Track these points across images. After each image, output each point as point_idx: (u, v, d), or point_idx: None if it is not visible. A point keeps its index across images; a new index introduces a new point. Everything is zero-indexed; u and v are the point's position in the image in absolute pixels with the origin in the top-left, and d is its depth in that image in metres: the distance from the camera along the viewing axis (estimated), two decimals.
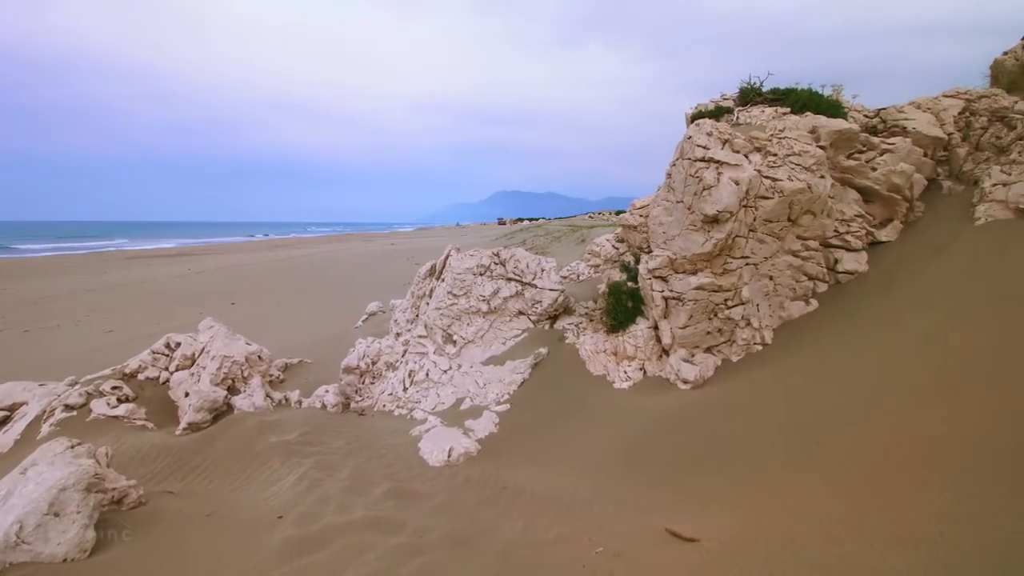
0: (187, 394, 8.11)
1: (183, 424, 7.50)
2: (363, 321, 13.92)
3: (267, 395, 8.31)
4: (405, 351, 9.00)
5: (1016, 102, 7.87)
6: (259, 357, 9.09)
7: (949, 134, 8.06)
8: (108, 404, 7.65)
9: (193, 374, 8.48)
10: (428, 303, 9.51)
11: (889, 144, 7.74)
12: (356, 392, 8.61)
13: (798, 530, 3.35)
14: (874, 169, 7.54)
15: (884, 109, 8.58)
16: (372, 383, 8.76)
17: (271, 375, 9.39)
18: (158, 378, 8.64)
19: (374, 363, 8.94)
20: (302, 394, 8.56)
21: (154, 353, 8.91)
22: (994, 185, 6.73)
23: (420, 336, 8.91)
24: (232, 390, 8.36)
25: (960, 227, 6.75)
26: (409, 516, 4.65)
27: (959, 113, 8.20)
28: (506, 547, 4.12)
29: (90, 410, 7.54)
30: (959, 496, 3.02)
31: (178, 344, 9.06)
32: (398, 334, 9.84)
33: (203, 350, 8.85)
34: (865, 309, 6.35)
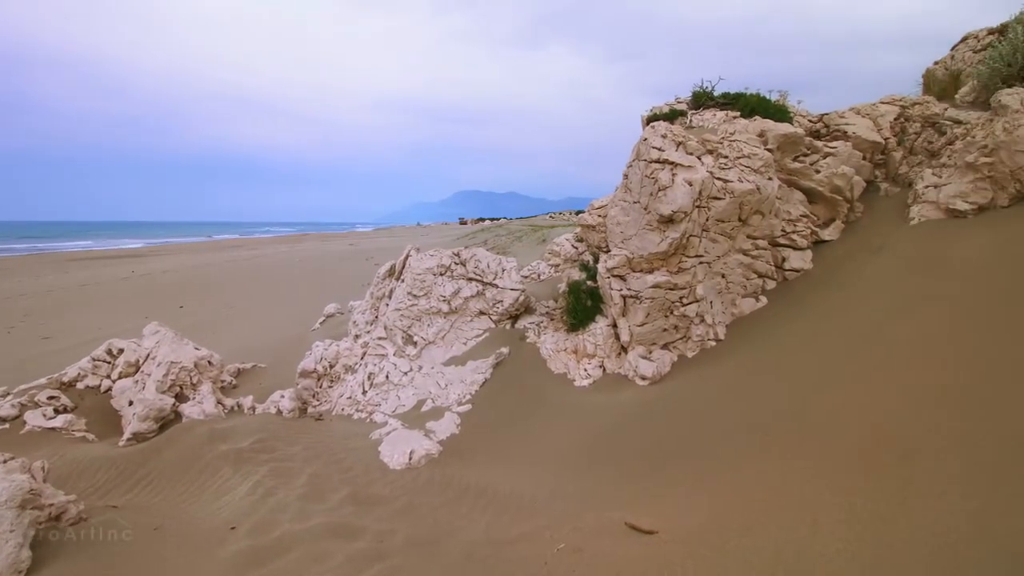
0: (131, 403, 7.72)
1: (127, 434, 7.13)
2: (320, 323, 13.60)
3: (218, 402, 8.00)
4: (364, 353, 8.84)
5: (946, 109, 8.40)
6: (209, 362, 8.74)
7: (886, 139, 8.53)
8: (44, 415, 7.20)
9: (137, 382, 8.08)
10: (388, 304, 9.38)
11: (831, 148, 8.13)
12: (313, 396, 8.40)
13: (753, 518, 3.48)
14: (818, 171, 7.91)
15: (827, 114, 9.01)
16: (330, 387, 8.57)
17: (223, 381, 9.05)
18: (99, 387, 8.18)
19: (332, 366, 8.74)
20: (256, 400, 8.29)
21: (95, 360, 8.44)
22: (926, 187, 7.17)
23: (380, 338, 8.78)
24: (180, 397, 8.01)
25: (896, 226, 7.16)
26: (369, 521, 4.58)
27: (895, 119, 8.69)
28: (469, 548, 4.11)
29: (24, 422, 7.08)
30: (903, 479, 3.20)
31: (121, 350, 8.61)
32: (357, 336, 9.66)
33: (148, 356, 8.44)
34: (811, 305, 6.65)
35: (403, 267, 9.51)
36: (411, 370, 8.11)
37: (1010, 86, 7.37)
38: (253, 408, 8.14)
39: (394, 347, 8.56)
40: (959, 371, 4.00)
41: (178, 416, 7.66)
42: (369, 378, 8.19)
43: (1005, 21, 8.85)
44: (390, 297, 9.48)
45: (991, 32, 9.37)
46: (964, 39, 10.03)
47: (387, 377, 8.05)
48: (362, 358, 8.80)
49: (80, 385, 8.09)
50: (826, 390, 4.70)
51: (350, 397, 8.09)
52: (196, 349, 8.78)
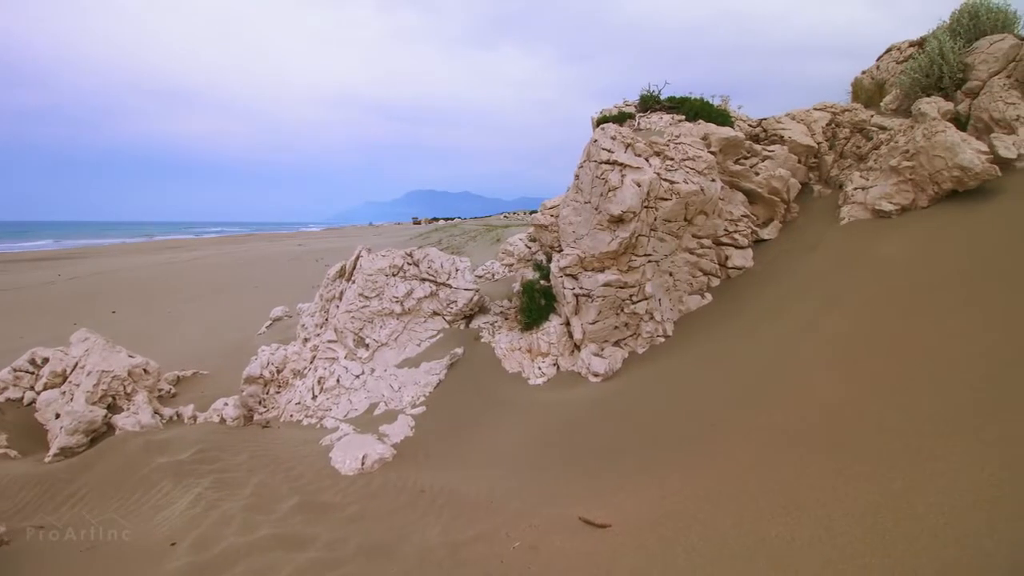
0: (58, 415, 7.21)
1: (54, 449, 6.66)
2: (267, 327, 13.13)
3: (155, 412, 7.59)
4: (314, 357, 8.59)
5: (872, 116, 8.96)
6: (145, 371, 8.28)
7: (819, 143, 9.02)
8: None
9: (65, 393, 7.56)
10: (338, 306, 9.15)
11: (769, 151, 8.53)
12: (260, 403, 8.10)
13: (700, 507, 3.60)
14: (757, 174, 8.28)
15: (765, 119, 9.44)
16: (278, 392, 8.29)
17: (160, 390, 8.59)
18: (22, 399, 7.61)
19: (279, 371, 8.45)
20: (197, 409, 7.92)
21: (16, 371, 7.83)
22: (855, 189, 7.63)
23: (330, 341, 8.56)
24: (113, 408, 7.55)
25: (828, 226, 7.59)
26: (320, 529, 4.45)
27: (826, 124, 9.20)
28: (423, 551, 4.06)
29: None
30: (838, 463, 3.40)
31: (46, 360, 8.03)
32: (306, 339, 9.38)
33: (77, 365, 7.91)
34: (753, 301, 6.96)
35: (354, 268, 9.30)
36: (363, 373, 7.94)
37: (928, 95, 7.94)
38: (194, 417, 7.77)
39: (345, 350, 8.36)
40: (886, 360, 4.28)
41: (111, 428, 7.22)
42: (319, 382, 7.97)
43: (924, 35, 9.52)
44: (340, 299, 9.25)
45: (912, 45, 10.06)
46: (888, 51, 10.74)
47: (338, 381, 7.86)
48: (311, 362, 8.55)
49: (0, 398, 7.49)
50: (767, 382, 4.93)
51: (299, 403, 7.84)
52: (130, 357, 8.29)
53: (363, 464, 5.81)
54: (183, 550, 4.08)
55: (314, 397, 7.81)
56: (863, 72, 11.03)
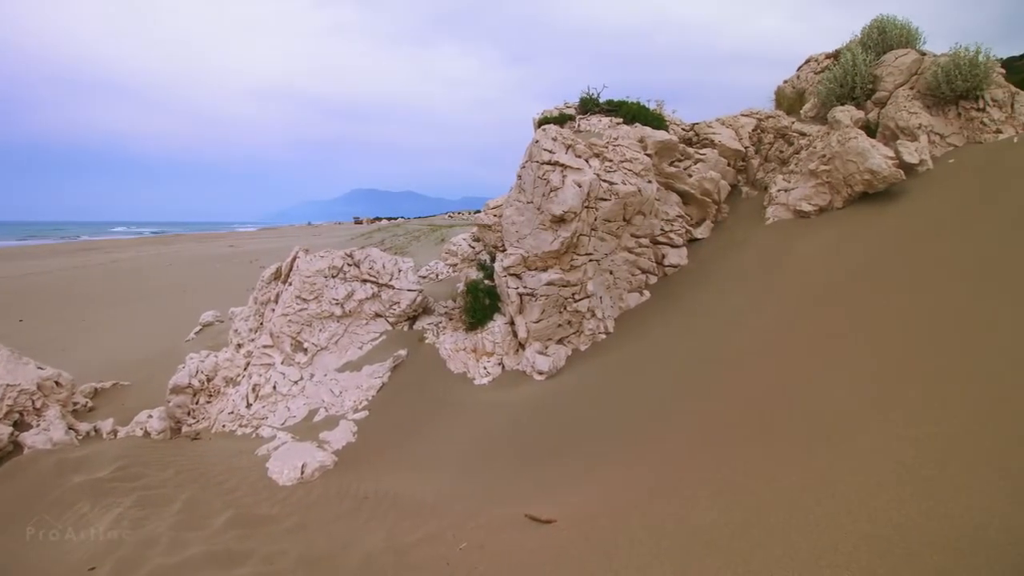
0: None
1: None
2: (196, 333, 12.41)
3: (70, 427, 7.01)
4: (248, 363, 8.21)
5: (793, 122, 9.56)
6: (57, 383, 7.63)
7: (746, 147, 9.53)
8: None
9: None
10: (274, 309, 8.78)
11: (701, 154, 8.93)
12: (188, 414, 7.64)
13: (641, 498, 3.72)
14: (690, 175, 8.64)
15: (697, 124, 9.87)
16: (208, 402, 7.85)
17: (75, 404, 7.94)
18: None
19: (210, 379, 8.01)
20: (118, 423, 7.38)
21: None
22: (778, 191, 8.11)
23: (265, 346, 8.19)
24: (20, 425, 6.90)
25: (755, 226, 8.03)
26: (256, 544, 4.26)
27: (752, 130, 9.73)
28: (367, 558, 3.98)
29: None
30: (766, 450, 3.60)
31: None
32: (239, 345, 8.94)
33: None
34: (688, 297, 7.26)
35: (291, 269, 8.95)
36: (302, 379, 7.66)
37: (842, 104, 8.57)
38: (114, 432, 7.24)
39: (282, 355, 8.03)
40: (806, 350, 4.59)
41: (18, 447, 6.60)
42: (254, 390, 7.61)
43: (839, 48, 10.25)
44: (276, 302, 8.89)
45: (828, 57, 10.81)
46: (807, 61, 11.49)
47: (275, 387, 7.54)
48: (245, 369, 8.16)
49: None
50: (702, 374, 5.16)
51: (232, 412, 7.47)
52: (40, 368, 7.61)
53: (302, 473, 5.61)
54: (103, 575, 3.80)
55: (248, 405, 7.46)
56: (785, 81, 11.76)
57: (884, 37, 9.00)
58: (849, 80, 8.68)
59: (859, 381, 3.83)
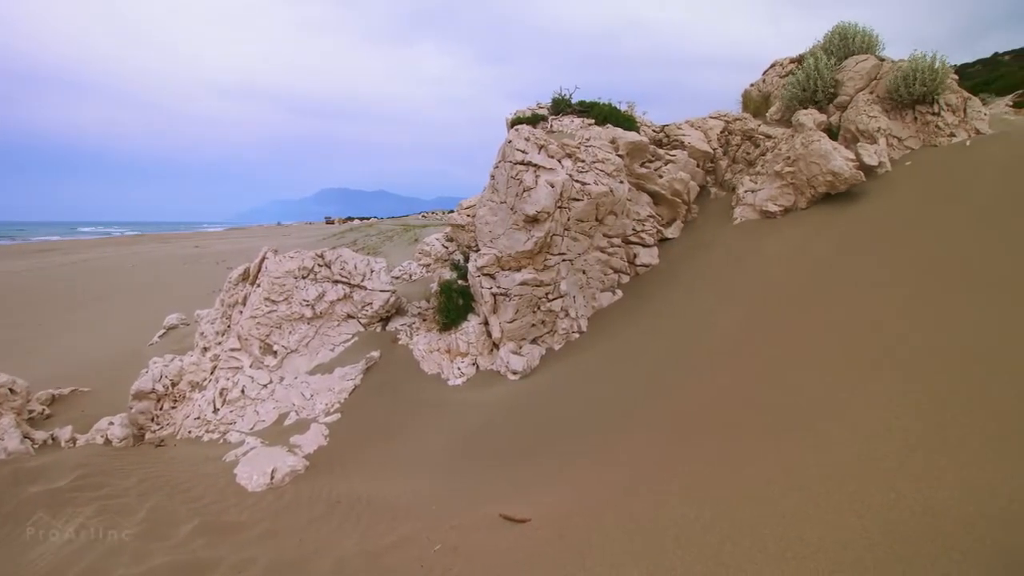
0: None
1: None
2: (160, 336, 12.03)
3: (25, 436, 6.71)
4: (215, 367, 7.99)
5: (759, 125, 9.79)
6: (11, 390, 7.29)
7: (714, 149, 9.72)
8: None
9: None
10: (242, 311, 8.57)
11: (671, 156, 9.07)
12: (152, 420, 7.40)
13: (614, 495, 3.76)
14: (661, 176, 8.77)
15: (667, 125, 10.02)
16: (173, 408, 7.62)
17: (31, 411, 7.61)
18: None
19: (175, 384, 7.77)
20: (77, 430, 7.10)
21: None
22: (745, 191, 8.30)
23: (233, 349, 7.99)
24: None
25: (723, 226, 8.20)
26: (225, 552, 4.14)
27: (720, 132, 9.93)
28: (339, 563, 3.91)
29: None
30: (734, 446, 3.68)
31: None
32: (206, 348, 8.70)
33: None
34: (659, 297, 7.37)
35: (259, 270, 8.75)
36: (271, 382, 7.50)
37: (806, 108, 8.81)
38: (73, 440, 6.96)
39: (250, 358, 7.85)
40: (772, 347, 4.71)
41: None
42: (221, 394, 7.42)
43: (803, 53, 10.54)
44: (244, 304, 8.68)
45: (792, 61, 11.11)
46: (772, 65, 11.78)
47: (243, 391, 7.36)
48: (212, 372, 7.95)
49: None
50: (673, 372, 5.24)
51: (198, 417, 7.26)
52: None
53: (272, 478, 5.49)
54: None
55: (216, 410, 7.26)
56: (751, 84, 12.04)
57: (845, 43, 9.29)
58: (812, 84, 8.94)
59: (825, 377, 3.95)
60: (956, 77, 8.20)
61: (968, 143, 7.17)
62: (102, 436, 6.91)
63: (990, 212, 5.35)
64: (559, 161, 7.47)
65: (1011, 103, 18.82)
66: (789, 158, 7.68)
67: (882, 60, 8.62)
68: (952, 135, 7.49)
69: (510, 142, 7.57)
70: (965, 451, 2.74)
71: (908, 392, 3.38)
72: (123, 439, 6.88)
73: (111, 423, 7.05)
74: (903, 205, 6.28)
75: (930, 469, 2.71)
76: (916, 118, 7.79)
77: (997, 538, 2.24)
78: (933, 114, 7.69)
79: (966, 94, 8.01)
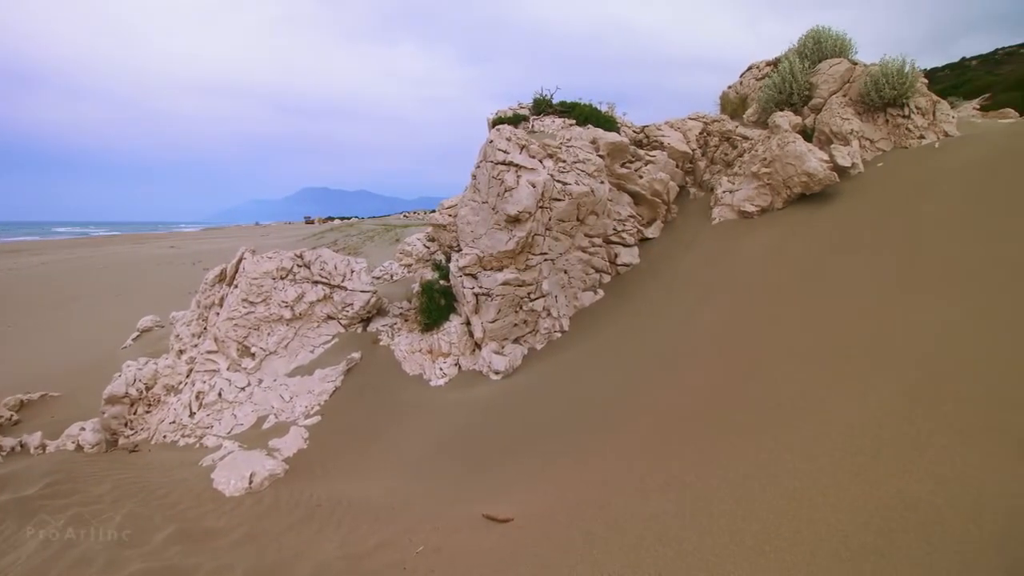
0: None
1: None
2: (134, 339, 11.75)
3: None
4: (191, 370, 7.84)
5: (737, 126, 9.94)
6: None
7: (693, 150, 9.84)
8: None
9: None
10: (219, 313, 8.42)
11: (651, 156, 9.16)
12: (126, 425, 7.23)
13: (595, 492, 3.78)
14: (641, 177, 8.85)
15: (647, 126, 10.12)
16: (148, 412, 7.45)
17: None
18: None
19: (149, 388, 7.61)
20: (47, 436, 6.90)
21: None
22: (723, 192, 8.42)
23: (209, 351, 7.84)
24: None
25: (702, 226, 8.31)
26: (202, 559, 4.06)
27: (699, 133, 10.06)
28: (320, 568, 3.87)
29: None
30: (713, 442, 3.72)
31: None
32: (181, 351, 8.53)
33: None
34: (640, 296, 7.43)
35: (236, 271, 8.61)
36: (249, 384, 7.38)
37: (782, 110, 8.97)
38: (43, 446, 6.77)
39: (228, 360, 7.71)
40: (750, 345, 4.78)
41: None
42: (198, 397, 7.28)
43: (778, 56, 10.73)
44: (221, 305, 8.53)
45: (768, 64, 11.31)
46: (749, 68, 11.98)
47: (220, 395, 7.23)
48: (188, 376, 7.79)
49: None
50: (653, 370, 5.29)
51: (174, 421, 7.11)
52: None
53: (251, 483, 5.41)
54: None
55: (192, 414, 7.12)
56: (729, 87, 12.22)
57: (819, 47, 9.48)
58: (787, 87, 9.10)
59: (802, 374, 4.03)
60: (926, 81, 8.42)
61: (937, 145, 7.38)
62: (73, 442, 6.73)
63: (958, 211, 5.51)
64: (540, 161, 7.49)
65: (978, 106, 19.44)
66: (766, 159, 7.81)
67: (855, 64, 8.81)
68: (922, 137, 7.70)
69: (491, 142, 7.56)
70: (935, 445, 2.81)
71: (880, 387, 3.46)
72: (95, 445, 6.71)
73: (83, 428, 6.87)
74: (875, 205, 6.44)
75: (902, 462, 2.78)
76: (887, 120, 7.99)
77: (968, 529, 2.30)
78: (904, 117, 7.89)
79: (935, 97, 8.24)
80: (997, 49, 41.97)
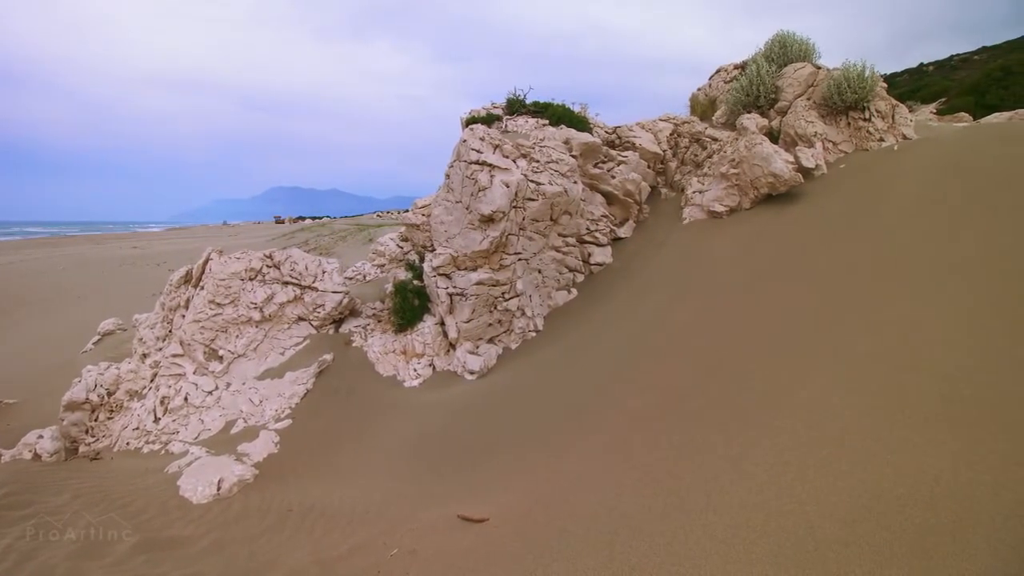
0: None
1: None
2: (94, 343, 11.33)
3: None
4: (155, 374, 7.60)
5: (706, 128, 10.13)
6: None
7: (664, 150, 9.99)
8: None
9: None
10: (184, 315, 8.19)
11: (623, 157, 9.27)
12: (86, 432, 6.97)
13: (569, 490, 3.81)
14: (613, 177, 8.95)
15: (619, 127, 10.23)
16: (109, 418, 7.19)
17: None
18: None
19: (111, 393, 7.35)
20: (2, 445, 6.61)
21: None
22: (694, 192, 8.57)
23: (175, 355, 7.62)
24: None
25: (673, 225, 8.44)
26: (168, 568, 3.96)
27: (670, 134, 10.22)
28: (292, 574, 3.80)
29: None
30: (684, 438, 3.78)
31: None
32: (145, 355, 8.26)
33: None
34: (613, 295, 7.51)
35: (203, 272, 8.38)
36: (217, 388, 7.20)
37: (749, 112, 9.18)
38: None
39: (194, 364, 7.50)
40: (720, 344, 4.88)
41: None
42: (163, 402, 7.06)
43: (746, 59, 10.98)
44: (187, 307, 8.29)
45: (736, 67, 11.55)
46: (718, 71, 12.22)
47: (186, 399, 7.03)
48: (152, 380, 7.55)
49: None
50: (626, 368, 5.36)
51: (138, 428, 6.88)
52: None
53: (219, 489, 5.27)
54: None
55: (157, 420, 6.91)
56: (699, 89, 12.44)
57: (785, 51, 9.74)
58: (754, 90, 9.32)
59: (770, 370, 4.13)
60: (885, 85, 8.73)
61: (896, 147, 7.65)
62: (30, 451, 6.45)
63: (916, 210, 5.73)
64: (514, 161, 7.50)
65: (935, 110, 20.27)
66: (734, 160, 7.98)
67: (819, 68, 9.08)
68: (882, 140, 7.98)
69: (465, 141, 7.54)
70: (895, 437, 2.92)
71: (844, 381, 3.58)
72: (54, 453, 6.45)
73: (40, 436, 6.60)
74: (838, 205, 6.65)
75: (864, 454, 2.88)
76: (849, 123, 8.25)
77: (926, 517, 2.40)
78: (865, 120, 8.16)
79: (894, 101, 8.55)
80: (952, 55, 43.75)
